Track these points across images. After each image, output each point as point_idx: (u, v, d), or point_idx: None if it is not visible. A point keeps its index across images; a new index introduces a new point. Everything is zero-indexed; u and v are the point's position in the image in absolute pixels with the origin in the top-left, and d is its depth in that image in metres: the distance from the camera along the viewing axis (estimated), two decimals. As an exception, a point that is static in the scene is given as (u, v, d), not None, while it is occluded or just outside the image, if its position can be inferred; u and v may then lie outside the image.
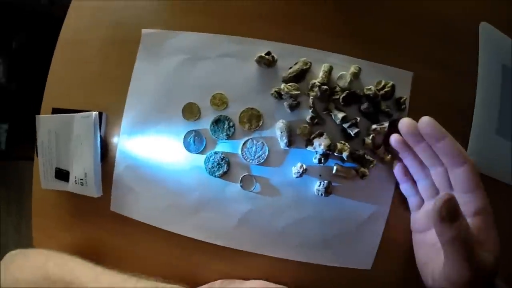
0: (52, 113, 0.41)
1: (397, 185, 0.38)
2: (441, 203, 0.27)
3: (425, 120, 0.32)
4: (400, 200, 0.39)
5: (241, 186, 0.37)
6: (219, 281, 0.37)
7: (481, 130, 0.41)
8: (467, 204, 0.32)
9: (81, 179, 0.39)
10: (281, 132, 0.36)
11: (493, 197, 0.41)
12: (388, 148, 0.38)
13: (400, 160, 0.37)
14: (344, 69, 0.37)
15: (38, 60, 0.48)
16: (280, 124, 0.36)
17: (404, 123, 0.34)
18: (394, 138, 0.36)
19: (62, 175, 0.40)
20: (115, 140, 0.40)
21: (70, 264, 0.37)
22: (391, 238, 0.39)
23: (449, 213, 0.27)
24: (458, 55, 0.41)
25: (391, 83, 0.37)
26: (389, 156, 0.37)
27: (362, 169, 0.37)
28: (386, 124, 0.37)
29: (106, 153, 0.40)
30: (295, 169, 0.36)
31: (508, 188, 0.42)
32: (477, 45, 0.42)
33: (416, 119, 0.39)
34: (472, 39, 0.42)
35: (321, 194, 0.36)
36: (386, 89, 0.37)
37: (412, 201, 0.38)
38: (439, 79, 0.40)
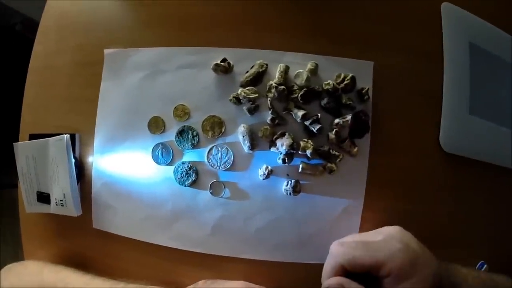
0: (29, 139, 0.43)
1: (369, 176, 0.38)
2: None
3: None
4: (375, 191, 0.38)
5: (211, 193, 0.38)
6: (202, 281, 0.38)
7: (453, 112, 0.40)
8: None
9: (61, 200, 0.41)
10: (243, 136, 0.36)
11: (477, 178, 0.40)
12: (354, 141, 0.38)
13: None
14: (301, 66, 0.37)
15: (15, 84, 0.50)
16: (241, 128, 0.37)
17: None
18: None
19: (44, 198, 0.42)
20: (90, 159, 0.41)
21: (63, 272, 0.39)
22: (369, 230, 0.38)
23: None
24: (421, 38, 0.40)
25: (350, 75, 0.37)
26: (356, 149, 0.37)
27: (329, 164, 0.37)
28: (349, 117, 0.37)
29: (83, 172, 0.42)
30: (261, 171, 0.37)
31: (491, 168, 0.41)
32: (441, 26, 0.41)
33: (382, 108, 0.39)
34: (434, 20, 0.41)
35: (290, 194, 0.37)
36: (346, 82, 0.37)
37: None
38: (403, 65, 0.40)
